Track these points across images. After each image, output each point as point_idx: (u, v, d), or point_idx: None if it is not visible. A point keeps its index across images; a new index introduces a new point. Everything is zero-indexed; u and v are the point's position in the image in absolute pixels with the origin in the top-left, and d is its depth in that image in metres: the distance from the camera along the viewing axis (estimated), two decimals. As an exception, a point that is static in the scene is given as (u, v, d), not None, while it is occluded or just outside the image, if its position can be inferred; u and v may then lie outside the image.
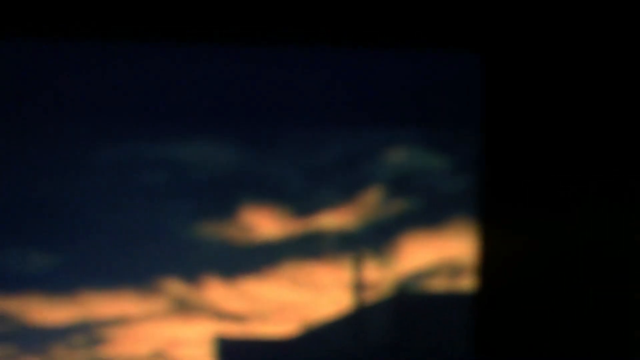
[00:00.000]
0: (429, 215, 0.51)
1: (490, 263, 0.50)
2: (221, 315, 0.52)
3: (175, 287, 0.51)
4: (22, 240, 0.50)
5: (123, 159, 0.50)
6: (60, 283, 0.51)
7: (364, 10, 0.49)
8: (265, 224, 0.51)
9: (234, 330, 0.52)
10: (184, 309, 0.51)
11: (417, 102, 0.50)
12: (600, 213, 0.50)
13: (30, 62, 0.48)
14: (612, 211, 0.50)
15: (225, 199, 0.50)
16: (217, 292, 0.51)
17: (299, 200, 0.50)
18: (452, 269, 0.51)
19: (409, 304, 0.52)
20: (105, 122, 0.49)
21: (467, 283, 0.50)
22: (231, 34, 0.47)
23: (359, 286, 0.51)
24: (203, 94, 0.49)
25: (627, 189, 0.50)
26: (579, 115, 0.49)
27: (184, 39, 0.47)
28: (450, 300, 0.51)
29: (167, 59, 0.48)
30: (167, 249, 0.50)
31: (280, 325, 0.51)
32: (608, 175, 0.50)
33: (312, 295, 0.51)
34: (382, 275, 0.51)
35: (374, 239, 0.51)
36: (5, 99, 0.48)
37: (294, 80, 0.49)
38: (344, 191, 0.50)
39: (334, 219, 0.50)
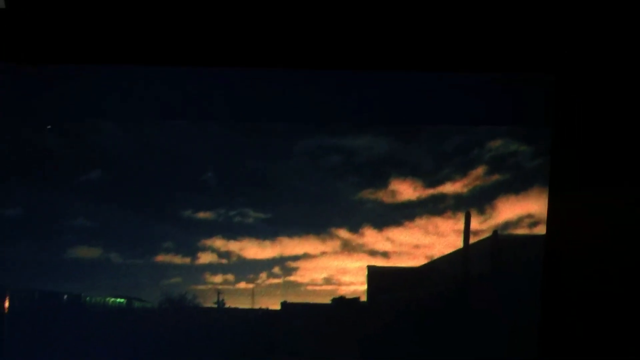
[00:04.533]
0: (515, 185, 0.74)
1: (556, 219, 0.74)
2: (373, 253, 0.76)
3: (343, 233, 0.75)
4: (243, 203, 0.73)
5: (312, 147, 0.73)
6: (266, 231, 0.74)
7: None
8: (406, 190, 0.74)
9: (381, 263, 0.76)
10: (348, 249, 0.75)
11: (506, 110, 0.73)
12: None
13: None
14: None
15: (380, 174, 0.74)
16: (371, 237, 0.75)
17: (430, 174, 0.74)
18: (530, 223, 0.75)
19: (499, 244, 0.76)
20: (300, 122, 0.72)
21: (540, 231, 0.74)
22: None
23: (466, 233, 0.75)
24: (366, 105, 0.72)
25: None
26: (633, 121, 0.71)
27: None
28: (526, 242, 0.76)
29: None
30: (339, 207, 0.74)
31: (413, 260, 0.76)
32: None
33: (435, 239, 0.75)
34: (482, 225, 0.75)
35: (478, 201, 0.75)
36: None
37: (427, 100, 0.72)
38: (459, 169, 0.74)
39: (452, 188, 0.74)
